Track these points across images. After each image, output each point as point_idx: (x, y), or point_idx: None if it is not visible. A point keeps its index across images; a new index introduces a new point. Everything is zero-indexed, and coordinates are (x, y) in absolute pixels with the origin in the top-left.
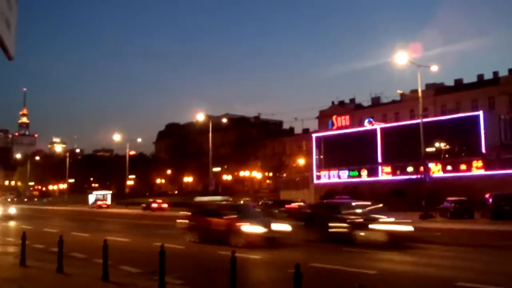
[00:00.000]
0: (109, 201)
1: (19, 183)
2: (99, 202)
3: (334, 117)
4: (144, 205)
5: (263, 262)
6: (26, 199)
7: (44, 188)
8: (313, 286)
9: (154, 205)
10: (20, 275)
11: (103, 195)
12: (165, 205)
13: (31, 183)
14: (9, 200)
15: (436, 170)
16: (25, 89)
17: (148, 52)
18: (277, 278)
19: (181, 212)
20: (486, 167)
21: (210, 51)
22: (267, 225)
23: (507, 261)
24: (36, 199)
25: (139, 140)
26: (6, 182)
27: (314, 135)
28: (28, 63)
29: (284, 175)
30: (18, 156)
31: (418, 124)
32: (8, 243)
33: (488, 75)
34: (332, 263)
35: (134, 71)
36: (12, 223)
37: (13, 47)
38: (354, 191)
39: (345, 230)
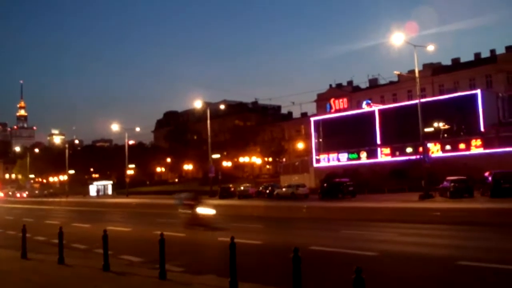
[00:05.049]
0: (110, 191)
1: (19, 176)
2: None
3: (332, 100)
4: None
5: None
6: (27, 192)
7: (44, 180)
8: None
9: None
10: (21, 268)
11: (104, 185)
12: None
13: (32, 176)
14: (10, 193)
15: (435, 150)
16: (22, 81)
17: (145, 41)
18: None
19: None
20: (485, 145)
21: (206, 39)
22: None
23: (508, 239)
24: (37, 192)
25: (138, 129)
26: (7, 176)
27: (312, 119)
28: (25, 55)
29: (284, 159)
30: (18, 149)
31: (416, 104)
32: (9, 236)
33: (486, 54)
34: None
35: (131, 61)
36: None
37: None
38: (354, 173)
39: None
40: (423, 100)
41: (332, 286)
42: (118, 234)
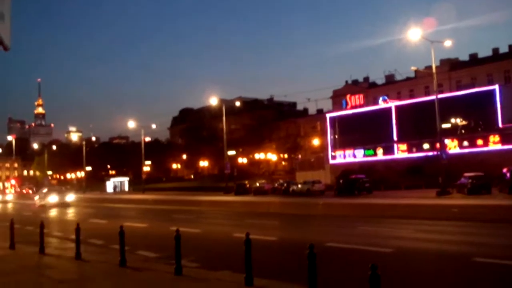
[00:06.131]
0: (126, 188)
1: (37, 173)
2: None
3: (348, 96)
4: None
5: None
6: (34, 188)
7: (62, 177)
8: None
9: None
10: (39, 263)
11: (120, 182)
12: None
13: (49, 172)
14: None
15: (452, 146)
16: (39, 79)
17: (161, 39)
18: None
19: None
20: (503, 141)
21: (221, 36)
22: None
23: None
24: None
25: (154, 126)
26: (25, 172)
27: (328, 115)
28: (42, 54)
29: (299, 156)
30: (35, 146)
31: (433, 100)
32: (27, 232)
33: (504, 49)
34: None
35: (148, 59)
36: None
37: (9, 38)
38: (370, 170)
39: None
40: (440, 96)
41: (348, 282)
42: (135, 230)
